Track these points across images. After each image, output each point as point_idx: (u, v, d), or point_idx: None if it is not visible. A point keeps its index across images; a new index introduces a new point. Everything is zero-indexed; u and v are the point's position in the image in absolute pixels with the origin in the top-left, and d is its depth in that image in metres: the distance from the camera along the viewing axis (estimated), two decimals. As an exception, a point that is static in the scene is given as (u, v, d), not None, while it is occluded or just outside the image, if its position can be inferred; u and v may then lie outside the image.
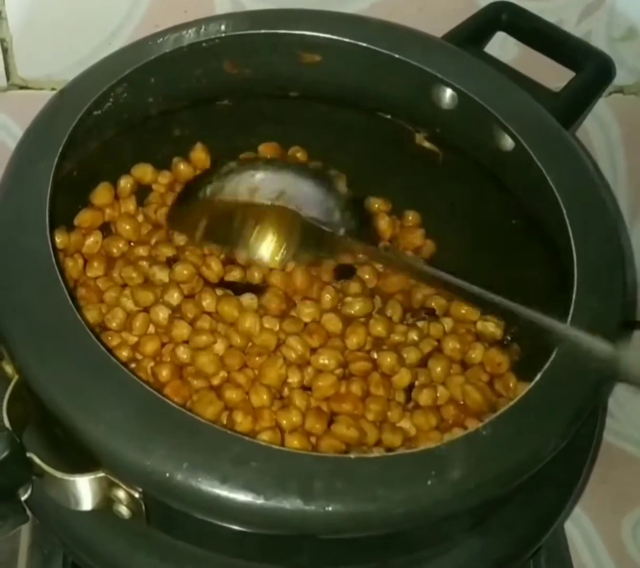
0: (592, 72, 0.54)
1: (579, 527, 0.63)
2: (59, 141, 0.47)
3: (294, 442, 0.47)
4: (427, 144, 0.56)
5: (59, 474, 0.41)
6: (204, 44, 0.51)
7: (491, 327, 0.54)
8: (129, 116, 0.53)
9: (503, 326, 0.54)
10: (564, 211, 0.46)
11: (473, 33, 0.55)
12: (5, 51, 0.58)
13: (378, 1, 0.58)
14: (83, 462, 0.41)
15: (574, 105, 0.53)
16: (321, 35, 0.52)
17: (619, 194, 0.69)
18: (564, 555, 0.61)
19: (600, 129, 0.64)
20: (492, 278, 0.48)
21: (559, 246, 0.48)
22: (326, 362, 0.50)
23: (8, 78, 0.60)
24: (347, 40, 0.52)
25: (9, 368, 0.43)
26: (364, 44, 0.51)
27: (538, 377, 0.42)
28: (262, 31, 0.52)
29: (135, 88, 0.51)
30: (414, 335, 0.53)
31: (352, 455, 0.40)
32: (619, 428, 0.68)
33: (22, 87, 0.61)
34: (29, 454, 0.41)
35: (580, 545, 0.62)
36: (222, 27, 0.51)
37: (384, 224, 0.58)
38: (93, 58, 0.57)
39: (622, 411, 0.69)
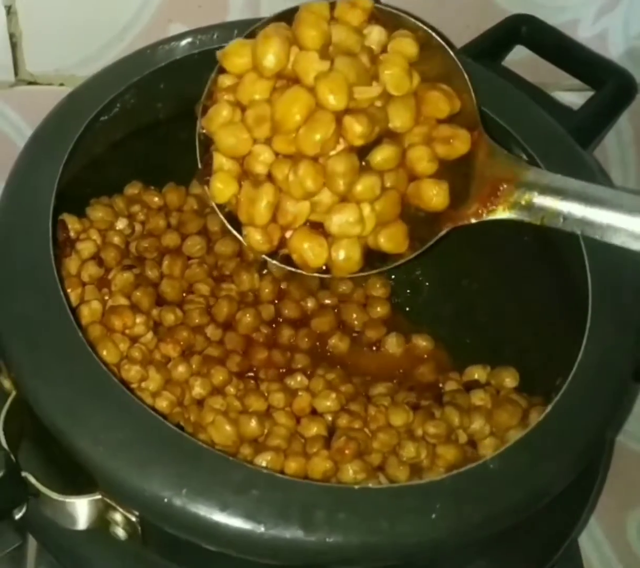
0: (613, 90, 0.53)
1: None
2: (65, 147, 0.46)
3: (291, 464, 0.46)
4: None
5: (54, 495, 0.40)
6: (216, 51, 0.49)
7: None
8: (136, 120, 0.51)
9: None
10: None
11: (491, 46, 0.54)
12: (14, 46, 0.57)
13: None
14: (80, 482, 0.39)
15: (592, 124, 0.52)
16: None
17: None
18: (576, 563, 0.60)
19: (612, 128, 0.62)
20: (501, 302, 0.47)
21: (572, 268, 0.46)
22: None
23: (16, 73, 0.59)
24: (359, 50, 0.50)
25: (7, 383, 0.42)
26: (378, 55, 0.50)
27: (548, 409, 0.40)
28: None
29: (144, 93, 0.50)
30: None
31: (356, 486, 0.39)
32: (625, 426, 0.66)
33: (30, 82, 0.59)
34: (24, 474, 0.40)
35: (586, 544, 0.61)
36: (235, 34, 0.50)
37: None
38: (103, 53, 0.57)
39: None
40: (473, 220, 0.44)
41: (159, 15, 0.56)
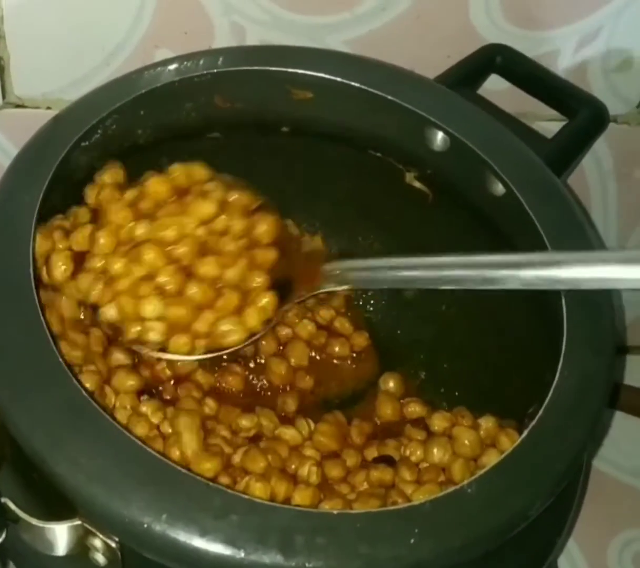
0: (586, 119, 0.53)
1: (565, 553, 0.61)
2: (47, 172, 0.45)
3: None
4: (417, 184, 0.54)
5: (34, 521, 0.39)
6: (196, 79, 0.49)
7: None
8: (117, 146, 0.51)
9: None
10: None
11: (467, 74, 0.54)
12: (2, 70, 0.57)
13: (377, 27, 0.56)
14: (59, 508, 0.38)
15: (566, 152, 0.52)
16: (314, 73, 0.50)
17: (609, 223, 0.68)
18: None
19: (592, 157, 0.63)
20: (477, 328, 0.48)
21: (547, 293, 0.46)
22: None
23: (4, 96, 0.59)
24: (339, 79, 0.50)
25: (-14, 409, 0.41)
26: (357, 84, 0.50)
27: (525, 434, 0.40)
28: (255, 68, 0.50)
29: (124, 119, 0.49)
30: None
31: (334, 511, 0.38)
32: (603, 453, 0.66)
33: (17, 106, 0.59)
34: (3, 499, 0.39)
35: (567, 569, 0.61)
36: (218, 62, 0.49)
37: None
38: (90, 78, 0.57)
39: (607, 436, 0.68)
40: (305, 295, 0.52)
41: (146, 41, 0.56)
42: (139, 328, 0.47)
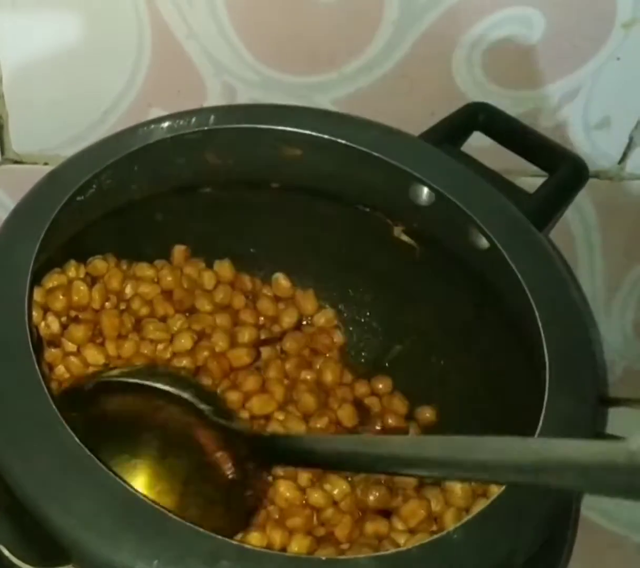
0: (565, 175, 0.54)
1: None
2: (42, 228, 0.46)
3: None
4: (404, 238, 0.55)
5: (27, 567, 0.40)
6: (188, 136, 0.51)
7: None
8: (111, 201, 0.52)
9: None
10: (536, 312, 0.46)
11: (451, 132, 0.55)
12: (0, 127, 0.58)
13: (364, 86, 0.58)
14: (53, 554, 0.39)
15: (547, 207, 0.53)
16: (302, 131, 0.51)
17: (596, 277, 0.69)
18: None
19: (576, 212, 0.64)
20: (465, 378, 0.48)
21: (531, 343, 0.47)
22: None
23: (2, 153, 0.60)
24: (327, 137, 0.51)
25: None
26: (344, 142, 0.51)
27: (510, 480, 0.41)
28: (245, 126, 0.51)
29: (119, 175, 0.50)
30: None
31: (323, 557, 0.39)
32: (595, 503, 0.66)
33: (15, 162, 0.61)
34: (-4, 545, 0.40)
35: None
36: (210, 120, 0.51)
37: None
38: (86, 134, 0.58)
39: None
40: None
41: (140, 100, 0.57)
42: None
